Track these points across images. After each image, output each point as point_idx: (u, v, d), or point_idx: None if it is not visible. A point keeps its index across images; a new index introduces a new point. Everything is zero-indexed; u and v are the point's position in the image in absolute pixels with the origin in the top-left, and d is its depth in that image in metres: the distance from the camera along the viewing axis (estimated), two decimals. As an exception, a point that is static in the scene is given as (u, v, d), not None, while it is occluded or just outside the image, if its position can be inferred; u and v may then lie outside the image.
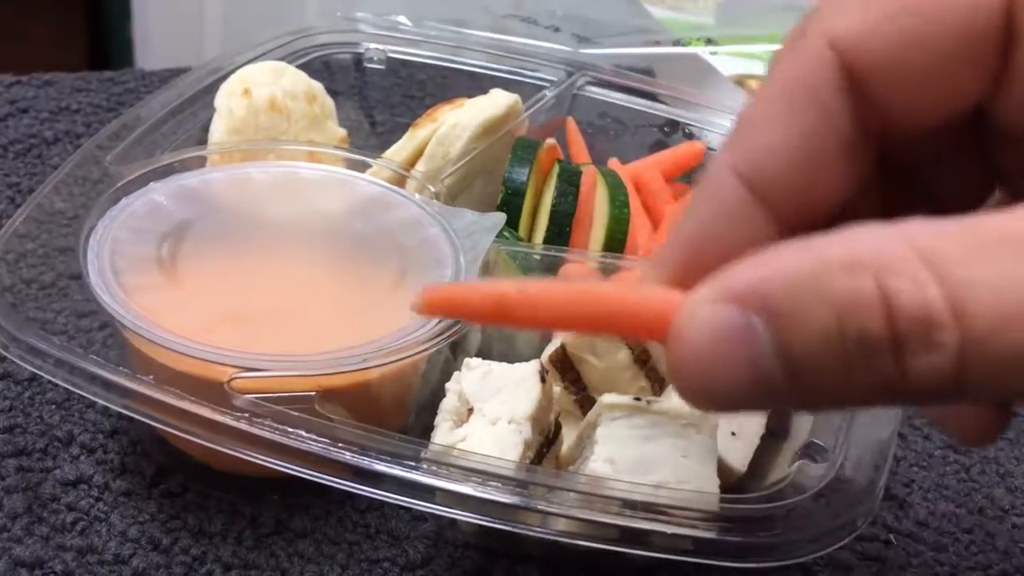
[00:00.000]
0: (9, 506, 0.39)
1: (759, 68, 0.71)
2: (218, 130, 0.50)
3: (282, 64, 0.53)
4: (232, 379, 0.35)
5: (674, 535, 0.31)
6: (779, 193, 0.24)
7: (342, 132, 0.55)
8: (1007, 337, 0.19)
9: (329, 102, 0.54)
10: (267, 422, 0.33)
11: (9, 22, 1.53)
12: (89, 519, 0.39)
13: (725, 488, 0.35)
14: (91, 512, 0.39)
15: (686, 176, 0.56)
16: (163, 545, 0.38)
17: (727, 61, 0.71)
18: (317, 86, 0.54)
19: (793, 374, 0.20)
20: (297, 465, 0.33)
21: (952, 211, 0.28)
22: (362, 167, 0.49)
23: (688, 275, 0.24)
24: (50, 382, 0.41)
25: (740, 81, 0.69)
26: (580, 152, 0.57)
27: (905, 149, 0.26)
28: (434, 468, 0.32)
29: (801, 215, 0.25)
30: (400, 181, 0.49)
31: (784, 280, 0.20)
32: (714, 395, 0.21)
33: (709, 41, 0.75)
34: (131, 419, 0.41)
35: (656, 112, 0.60)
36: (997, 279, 0.19)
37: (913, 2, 0.23)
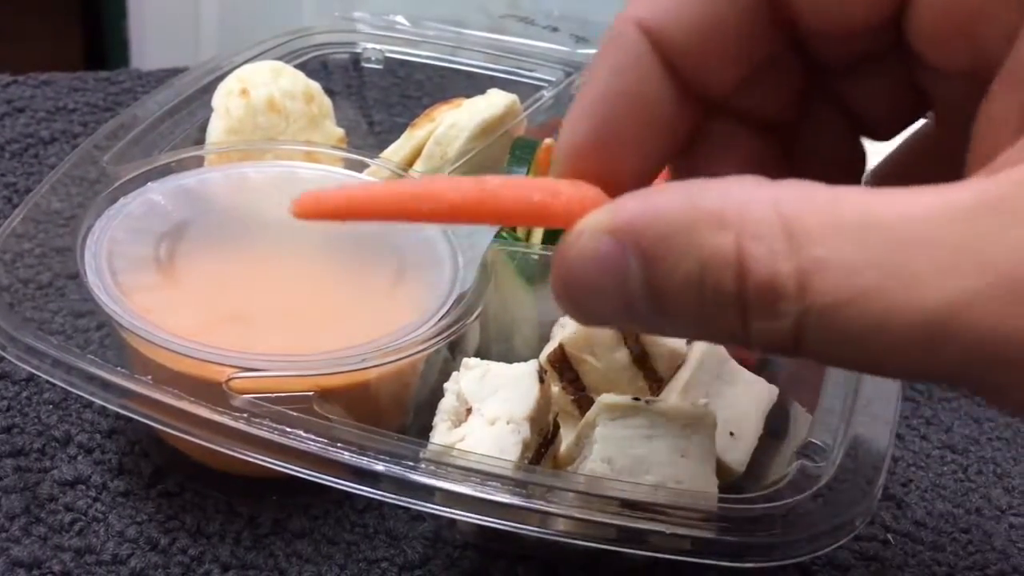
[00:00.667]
0: (7, 506, 0.39)
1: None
2: (216, 130, 0.50)
3: (280, 64, 0.53)
4: (230, 379, 0.35)
5: (672, 535, 0.31)
6: (683, 54, 0.25)
7: (340, 132, 0.55)
8: (842, 317, 0.19)
9: (327, 102, 0.54)
10: (265, 422, 0.33)
11: (5, 22, 1.53)
12: (87, 519, 0.39)
13: (723, 488, 0.35)
14: (89, 512, 0.39)
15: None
16: (161, 545, 0.38)
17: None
18: (315, 86, 0.54)
19: (658, 307, 0.22)
20: (295, 465, 0.33)
21: (877, 132, 0.28)
22: (360, 167, 0.49)
23: (595, 144, 0.25)
24: (48, 382, 0.41)
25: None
26: (578, 152, 0.57)
27: (827, 55, 0.27)
28: (432, 468, 0.32)
29: (703, 85, 0.26)
30: (398, 181, 0.49)
31: (660, 224, 0.21)
32: (587, 313, 0.24)
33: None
34: (129, 419, 0.41)
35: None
36: (845, 262, 0.19)
37: None
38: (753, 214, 0.20)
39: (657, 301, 0.22)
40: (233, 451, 0.33)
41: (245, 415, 0.34)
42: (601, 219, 0.22)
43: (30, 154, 0.61)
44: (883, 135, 0.29)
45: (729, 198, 0.21)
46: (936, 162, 0.26)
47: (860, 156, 0.29)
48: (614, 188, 0.25)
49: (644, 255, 0.21)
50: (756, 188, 0.21)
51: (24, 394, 0.44)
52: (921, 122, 0.29)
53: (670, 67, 0.25)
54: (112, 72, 0.72)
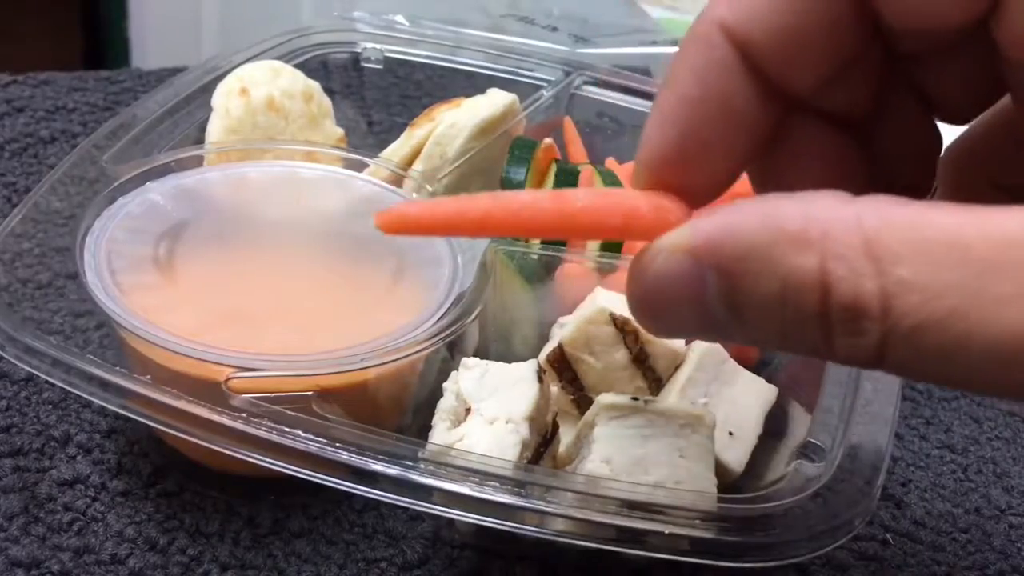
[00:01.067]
0: (5, 506, 0.39)
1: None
2: (215, 130, 0.50)
3: (279, 64, 0.53)
4: (229, 379, 0.35)
5: (671, 535, 0.31)
6: (768, 55, 0.25)
7: (339, 132, 0.55)
8: (925, 337, 0.20)
9: (326, 101, 0.54)
10: (264, 422, 0.33)
11: (5, 21, 1.53)
12: (86, 519, 0.39)
13: (722, 488, 0.35)
14: (88, 512, 0.39)
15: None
16: (160, 545, 0.38)
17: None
18: (314, 85, 0.54)
19: (738, 321, 0.22)
20: (294, 465, 0.33)
21: (953, 115, 0.28)
22: (360, 167, 0.49)
23: (679, 151, 0.25)
24: (47, 382, 0.41)
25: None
26: (577, 152, 0.57)
27: (908, 47, 0.26)
28: (431, 468, 0.32)
29: (786, 84, 0.26)
30: (397, 181, 0.49)
31: (738, 243, 0.22)
32: (665, 328, 0.25)
33: (706, 41, 0.74)
34: (128, 419, 0.41)
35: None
36: (928, 284, 0.20)
37: None
38: (836, 234, 0.21)
39: (737, 314, 0.22)
40: (232, 451, 0.33)
41: (244, 415, 0.34)
42: (679, 239, 0.23)
43: (30, 154, 0.61)
44: (959, 118, 0.29)
45: (810, 217, 0.21)
46: (1013, 141, 0.27)
47: (936, 138, 0.29)
48: (695, 194, 0.25)
49: (723, 274, 0.22)
50: (838, 206, 0.21)
51: (23, 394, 0.44)
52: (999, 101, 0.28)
53: (754, 69, 0.25)
54: (112, 72, 0.72)
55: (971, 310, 0.19)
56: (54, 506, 0.39)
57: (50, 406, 0.44)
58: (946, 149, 0.30)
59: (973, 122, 0.29)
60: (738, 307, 0.22)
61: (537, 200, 0.24)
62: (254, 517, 0.39)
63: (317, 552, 0.39)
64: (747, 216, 0.22)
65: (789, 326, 0.22)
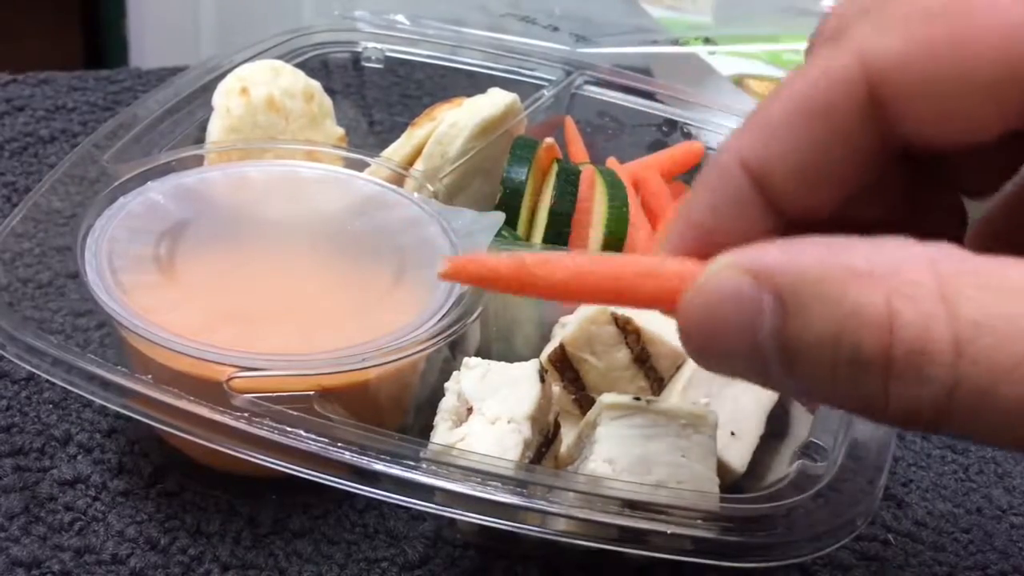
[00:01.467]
0: (6, 506, 0.39)
1: (758, 68, 0.70)
2: (216, 129, 0.50)
3: (280, 63, 0.53)
4: (230, 378, 0.35)
5: (673, 535, 0.31)
6: (783, 192, 0.25)
7: (340, 131, 0.55)
8: (1001, 389, 0.19)
9: (327, 101, 0.54)
10: (265, 421, 0.33)
11: (5, 20, 1.53)
12: (87, 519, 0.39)
13: (724, 488, 0.35)
14: (89, 512, 0.39)
15: (685, 175, 0.56)
16: (161, 545, 0.38)
17: (725, 61, 0.71)
18: (315, 85, 0.54)
19: (787, 362, 0.21)
20: (296, 465, 0.33)
21: (974, 192, 0.27)
22: (360, 166, 0.49)
23: (696, 245, 0.25)
24: (47, 381, 0.41)
25: (738, 81, 0.69)
26: (579, 151, 0.57)
27: (927, 150, 0.26)
28: (433, 468, 0.32)
29: (803, 212, 0.25)
30: (398, 180, 0.49)
31: (798, 276, 0.20)
32: (713, 352, 0.23)
33: (707, 41, 0.74)
34: (129, 419, 0.41)
35: (654, 111, 0.60)
36: (1006, 330, 0.18)
37: (955, 33, 0.22)
38: (908, 274, 0.19)
39: (788, 354, 0.21)
40: (233, 450, 0.33)
41: (245, 414, 0.34)
42: (742, 259, 0.22)
43: (30, 153, 0.61)
44: (980, 194, 0.28)
45: (880, 256, 0.20)
46: None
47: (963, 212, 0.29)
48: None
49: (780, 302, 0.21)
50: (910, 247, 0.20)
51: (24, 393, 0.44)
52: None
53: (772, 203, 0.25)
54: (112, 71, 0.72)
55: None
56: (55, 506, 0.39)
57: (51, 406, 0.44)
58: (972, 226, 0.29)
59: (996, 196, 0.28)
60: (788, 344, 0.21)
61: (596, 269, 0.25)
62: (255, 517, 0.39)
63: (318, 552, 0.38)
64: (813, 249, 0.21)
65: (842, 371, 0.20)
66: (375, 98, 0.65)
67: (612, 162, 0.56)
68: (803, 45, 0.28)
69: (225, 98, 0.50)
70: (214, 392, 0.34)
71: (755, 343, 0.21)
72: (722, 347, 0.22)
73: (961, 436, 0.21)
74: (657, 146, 0.59)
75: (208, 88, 0.52)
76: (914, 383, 0.19)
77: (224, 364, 0.35)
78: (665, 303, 0.24)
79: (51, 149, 0.62)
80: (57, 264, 0.46)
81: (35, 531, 0.38)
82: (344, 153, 0.50)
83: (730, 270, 0.22)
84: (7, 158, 0.60)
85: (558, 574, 0.39)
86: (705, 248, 0.24)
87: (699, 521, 0.31)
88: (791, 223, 0.25)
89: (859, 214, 0.26)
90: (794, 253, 0.21)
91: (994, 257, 0.20)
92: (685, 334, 0.23)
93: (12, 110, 0.65)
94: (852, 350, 0.20)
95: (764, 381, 0.22)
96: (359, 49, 0.63)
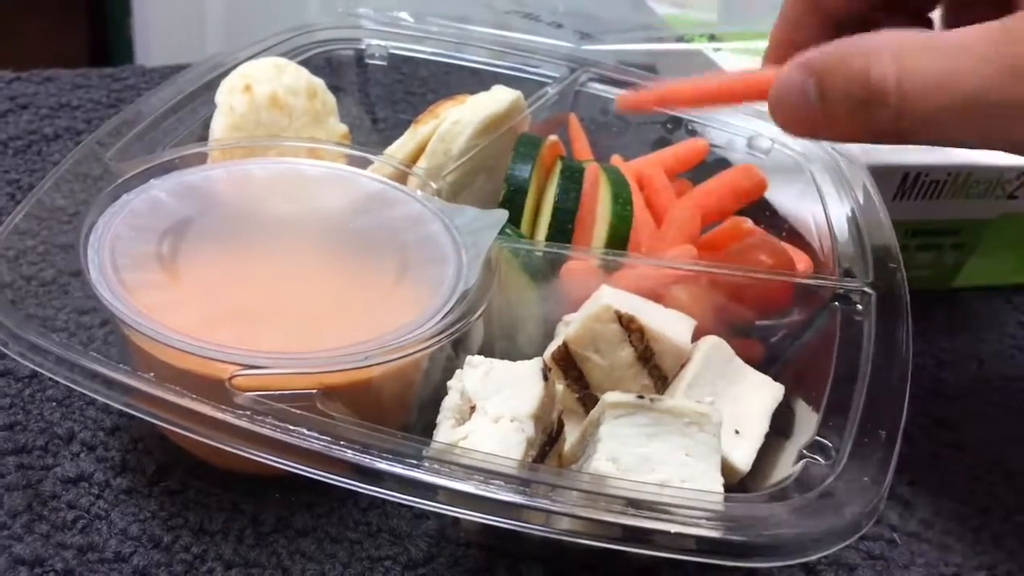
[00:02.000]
0: (9, 504, 0.39)
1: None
2: (219, 127, 0.50)
3: (283, 60, 0.53)
4: (233, 376, 0.35)
5: (677, 534, 0.30)
6: (833, 7, 0.42)
7: (343, 128, 0.55)
8: (926, 104, 0.33)
9: (330, 98, 0.54)
10: (268, 420, 0.33)
11: (9, 18, 1.53)
12: (90, 517, 0.39)
13: (729, 487, 0.35)
14: (92, 510, 0.39)
15: (689, 173, 0.56)
16: (164, 543, 0.38)
17: (730, 58, 0.71)
18: (318, 82, 0.54)
19: (825, 111, 0.35)
20: (298, 463, 0.33)
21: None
22: (364, 164, 0.49)
23: (782, 54, 0.39)
24: (51, 379, 0.41)
25: (743, 78, 0.69)
26: (583, 149, 0.57)
27: None
28: (436, 466, 0.32)
29: (847, 18, 0.41)
30: (402, 178, 0.48)
31: (826, 59, 0.35)
32: (788, 121, 0.37)
33: (712, 38, 0.74)
34: (132, 417, 0.41)
35: (659, 109, 0.59)
36: (930, 67, 0.33)
37: None
38: (875, 49, 0.34)
39: (825, 105, 0.35)
40: (236, 449, 0.33)
41: (248, 413, 0.34)
42: (799, 59, 0.36)
43: (33, 150, 0.61)
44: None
45: (870, 41, 0.34)
46: None
47: None
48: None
49: (816, 76, 0.35)
50: (887, 34, 0.34)
51: (27, 391, 0.44)
52: None
53: (825, 17, 0.42)
54: (116, 69, 0.72)
55: (947, 80, 0.33)
56: (58, 504, 0.39)
57: (54, 403, 0.44)
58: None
59: None
60: (825, 99, 0.35)
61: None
62: (258, 515, 0.39)
63: (321, 550, 0.38)
64: (833, 44, 0.35)
65: (848, 106, 0.34)
66: (378, 95, 0.65)
67: (616, 160, 0.55)
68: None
69: (228, 95, 0.50)
70: (217, 390, 0.34)
71: (807, 104, 0.35)
72: (791, 114, 0.36)
73: (923, 143, 0.35)
74: (661, 144, 0.59)
75: (211, 85, 0.52)
76: (880, 107, 0.34)
77: (227, 362, 0.35)
78: (761, 96, 0.38)
79: (55, 147, 0.62)
80: (60, 262, 0.46)
81: (38, 529, 0.38)
82: (347, 151, 0.50)
83: (790, 67, 0.36)
84: (11, 155, 0.60)
85: (561, 573, 0.38)
86: (785, 56, 0.37)
87: (703, 520, 0.31)
88: (841, 30, 0.38)
89: (886, 23, 0.38)
90: (824, 49, 0.35)
91: (940, 32, 0.34)
92: (773, 110, 0.37)
93: (16, 107, 0.65)
94: (850, 92, 0.34)
95: (814, 132, 0.36)
96: (363, 46, 0.63)
